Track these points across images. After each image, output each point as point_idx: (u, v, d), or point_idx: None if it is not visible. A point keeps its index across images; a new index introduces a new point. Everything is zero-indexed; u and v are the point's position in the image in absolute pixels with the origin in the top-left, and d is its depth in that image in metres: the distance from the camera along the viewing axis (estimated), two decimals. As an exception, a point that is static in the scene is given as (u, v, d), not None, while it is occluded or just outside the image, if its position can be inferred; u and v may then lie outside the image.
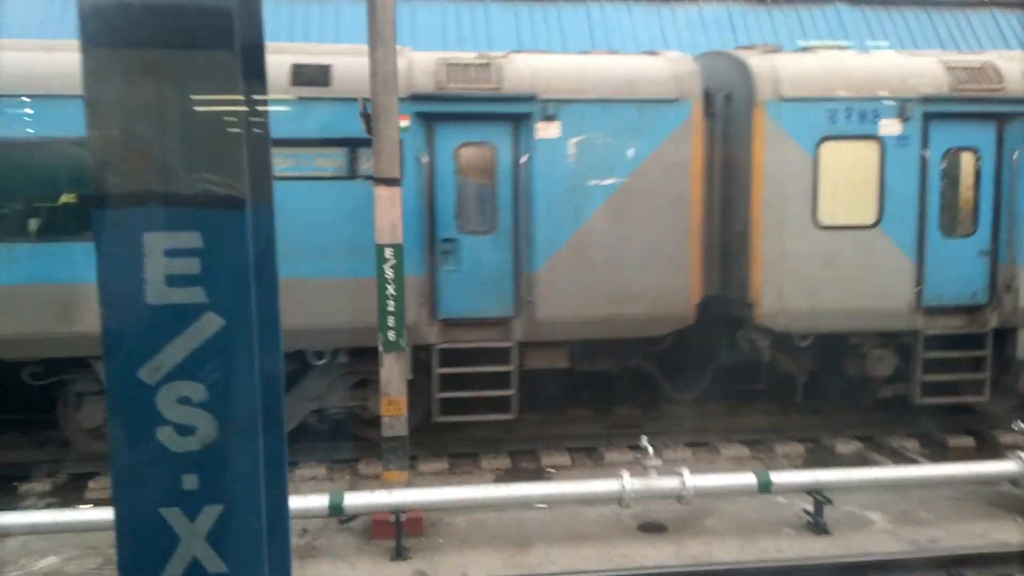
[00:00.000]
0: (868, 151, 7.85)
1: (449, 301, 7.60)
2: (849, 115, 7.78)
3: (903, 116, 7.79)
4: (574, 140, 7.60)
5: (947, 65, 8.07)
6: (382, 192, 6.25)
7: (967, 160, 8.08)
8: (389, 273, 6.41)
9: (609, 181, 7.69)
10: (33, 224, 6.99)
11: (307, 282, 7.06)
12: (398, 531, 5.91)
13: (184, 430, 1.27)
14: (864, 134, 7.81)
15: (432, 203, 7.52)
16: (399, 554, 5.89)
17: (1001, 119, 7.99)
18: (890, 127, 7.83)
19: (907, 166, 7.87)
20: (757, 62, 7.98)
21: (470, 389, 7.60)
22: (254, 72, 1.52)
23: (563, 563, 5.76)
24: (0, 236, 6.90)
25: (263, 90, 1.58)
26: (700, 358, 8.69)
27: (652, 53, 8.52)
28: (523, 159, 7.54)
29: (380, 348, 6.48)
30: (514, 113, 7.53)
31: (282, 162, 7.16)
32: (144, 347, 1.27)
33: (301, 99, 7.18)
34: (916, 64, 8.17)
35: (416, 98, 7.30)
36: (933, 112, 7.85)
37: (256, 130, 1.52)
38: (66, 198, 6.99)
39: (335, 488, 6.83)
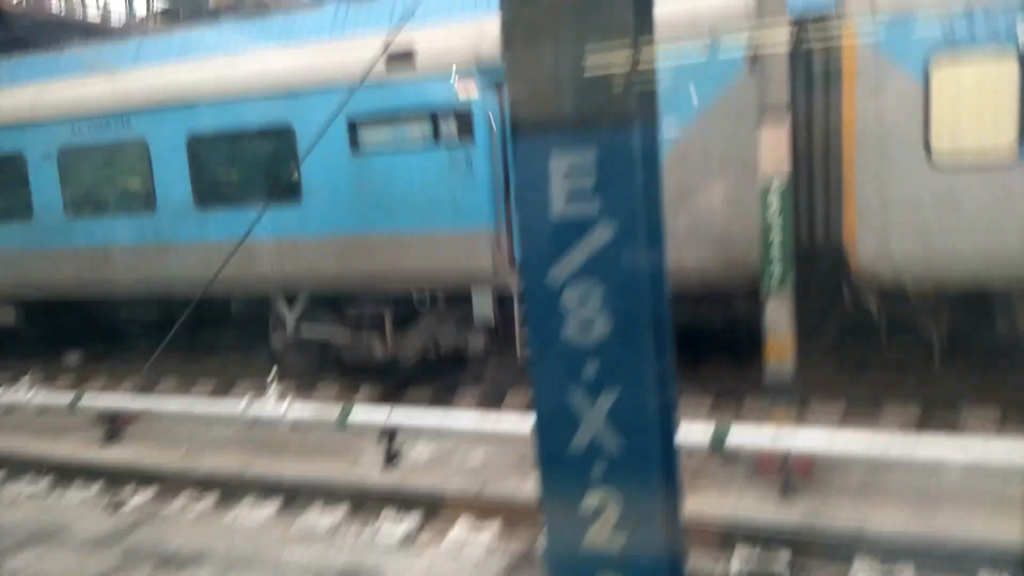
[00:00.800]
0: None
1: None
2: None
3: None
4: None
5: None
6: (769, 121, 5.98)
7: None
8: (773, 212, 6.15)
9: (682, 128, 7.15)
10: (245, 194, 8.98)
11: (414, 235, 8.14)
12: (787, 469, 5.80)
13: (584, 325, 1.47)
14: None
15: (506, 160, 7.70)
16: (786, 492, 5.78)
17: None
18: None
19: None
20: None
21: None
22: (643, 6, 1.62)
23: (982, 532, 5.06)
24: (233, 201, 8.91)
25: (651, 24, 1.66)
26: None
27: None
28: None
29: (764, 290, 6.30)
30: None
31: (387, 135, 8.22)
32: (551, 253, 1.49)
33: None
34: None
35: (482, 67, 7.68)
36: None
37: (642, 60, 1.62)
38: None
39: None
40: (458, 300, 8.38)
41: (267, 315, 9.48)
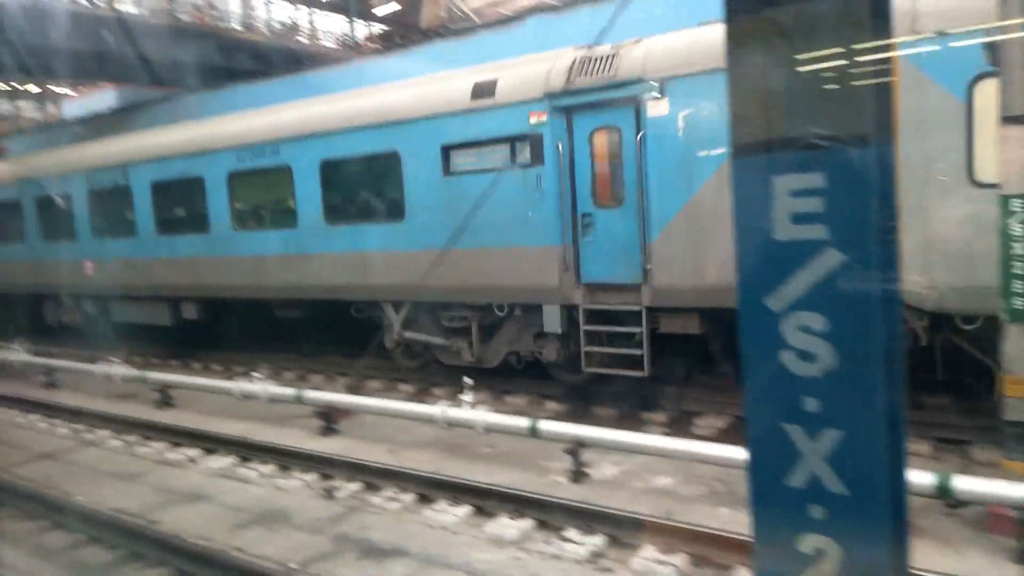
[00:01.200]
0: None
1: (588, 268, 8.57)
2: None
3: None
4: (683, 114, 7.68)
5: None
6: (1011, 133, 5.32)
7: None
8: (1017, 229, 5.45)
9: (718, 151, 7.52)
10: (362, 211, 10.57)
11: (492, 250, 9.08)
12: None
13: (806, 356, 1.38)
14: None
15: (573, 182, 8.47)
16: (1022, 557, 5.05)
17: None
18: None
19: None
20: None
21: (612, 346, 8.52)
22: (879, 15, 1.51)
23: None
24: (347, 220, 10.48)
25: (887, 32, 1.55)
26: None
27: None
28: (638, 137, 8.02)
29: (1003, 318, 5.59)
30: (629, 96, 7.97)
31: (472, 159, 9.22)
32: (771, 278, 1.42)
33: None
34: None
35: (550, 95, 8.44)
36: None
37: (879, 73, 1.51)
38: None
39: (941, 468, 6.22)
40: (533, 310, 9.20)
41: (380, 318, 10.91)
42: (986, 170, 6.17)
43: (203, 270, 12.64)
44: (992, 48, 5.79)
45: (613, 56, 8.23)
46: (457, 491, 6.61)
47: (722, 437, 7.61)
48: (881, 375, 1.34)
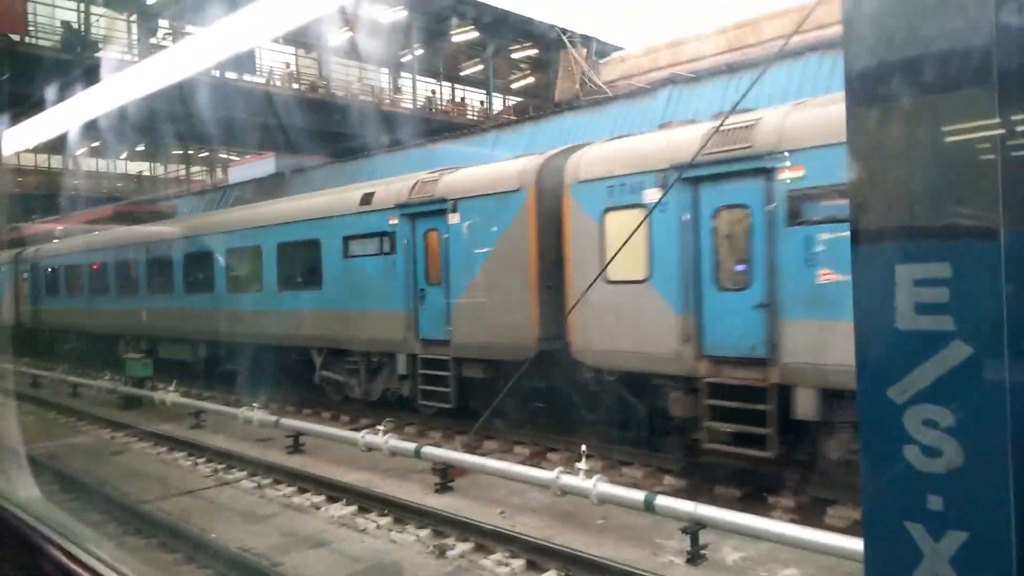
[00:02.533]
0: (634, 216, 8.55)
1: (425, 327, 12.02)
2: (618, 189, 9.10)
3: (662, 185, 8.47)
4: (466, 224, 11.09)
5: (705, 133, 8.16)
6: None
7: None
8: None
9: (485, 249, 10.80)
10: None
11: (368, 313, 12.99)
12: None
13: (929, 451, 1.32)
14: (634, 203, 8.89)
15: (415, 266, 12.23)
16: None
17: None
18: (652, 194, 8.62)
19: (672, 224, 8.53)
20: (572, 154, 10.09)
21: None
22: (1011, 101, 1.48)
23: None
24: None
25: (1020, 119, 1.52)
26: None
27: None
28: (445, 236, 11.49)
29: None
30: (441, 209, 11.53)
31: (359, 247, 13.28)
32: (894, 369, 1.38)
33: None
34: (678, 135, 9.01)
35: (399, 205, 12.38)
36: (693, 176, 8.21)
37: (1011, 161, 1.47)
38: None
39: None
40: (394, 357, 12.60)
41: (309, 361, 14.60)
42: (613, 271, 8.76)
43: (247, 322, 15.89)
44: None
45: (435, 181, 11.88)
46: (568, 561, 6.51)
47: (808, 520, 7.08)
48: (1011, 477, 1.27)
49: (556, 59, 33.65)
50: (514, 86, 44.53)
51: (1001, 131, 1.39)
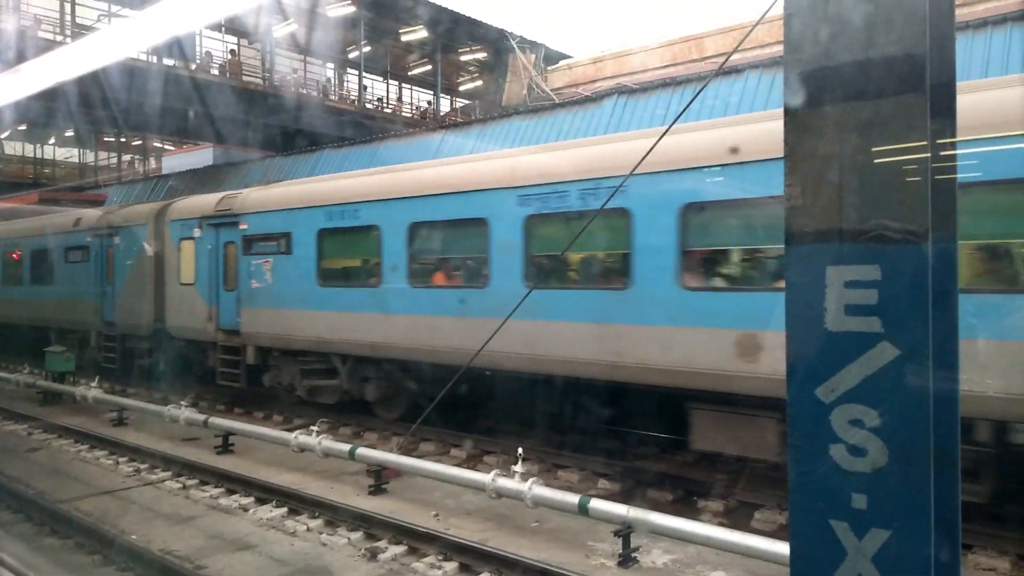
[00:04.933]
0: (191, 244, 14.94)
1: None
2: (185, 226, 15.07)
3: (200, 225, 14.56)
4: (122, 245, 17.06)
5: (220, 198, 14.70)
6: None
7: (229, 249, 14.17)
8: None
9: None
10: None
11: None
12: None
13: (855, 450, 1.35)
14: (187, 236, 15.07)
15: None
16: None
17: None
18: (198, 231, 14.67)
19: (204, 250, 14.57)
20: (179, 203, 16.33)
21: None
22: (942, 112, 1.52)
23: None
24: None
25: (951, 129, 1.56)
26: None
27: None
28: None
29: None
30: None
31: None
32: (822, 368, 1.40)
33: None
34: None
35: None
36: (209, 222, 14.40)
37: (942, 170, 1.51)
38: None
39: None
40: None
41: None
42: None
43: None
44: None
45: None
46: (501, 564, 6.48)
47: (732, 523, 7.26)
48: (933, 477, 1.30)
49: (505, 63, 33.74)
50: (462, 88, 44.42)
51: (932, 141, 1.43)
